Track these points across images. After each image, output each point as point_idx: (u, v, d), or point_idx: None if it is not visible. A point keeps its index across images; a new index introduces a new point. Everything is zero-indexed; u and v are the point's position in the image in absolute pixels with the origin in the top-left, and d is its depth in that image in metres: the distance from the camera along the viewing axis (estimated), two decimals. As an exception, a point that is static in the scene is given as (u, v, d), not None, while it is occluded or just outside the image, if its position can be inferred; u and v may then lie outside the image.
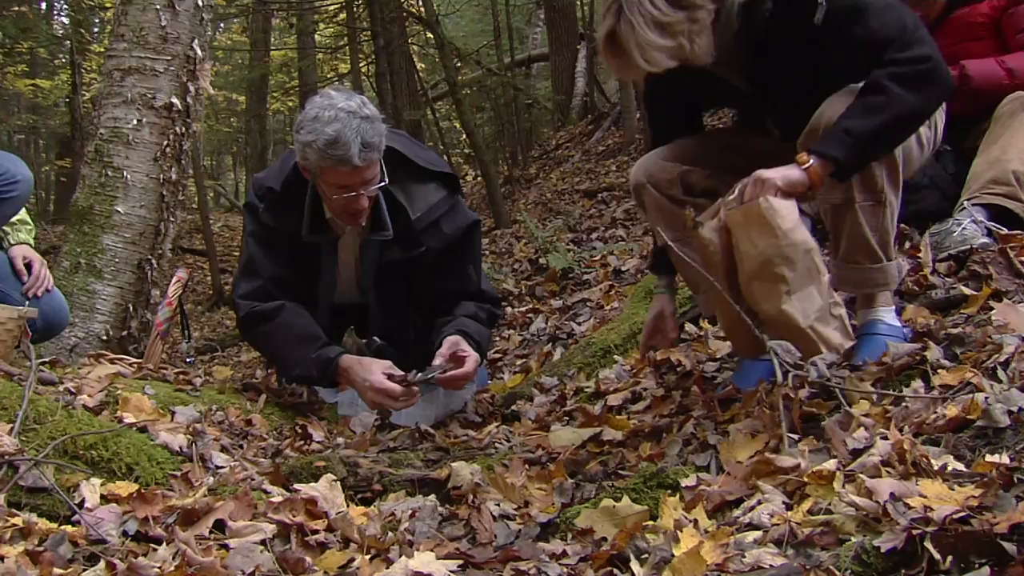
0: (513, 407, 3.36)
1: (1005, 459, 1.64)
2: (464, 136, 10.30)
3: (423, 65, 15.84)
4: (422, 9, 10.46)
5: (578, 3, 14.94)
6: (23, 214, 3.79)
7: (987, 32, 3.59)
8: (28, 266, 3.65)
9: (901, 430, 1.91)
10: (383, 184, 3.26)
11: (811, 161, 2.36)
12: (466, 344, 3.26)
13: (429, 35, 11.58)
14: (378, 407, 3.19)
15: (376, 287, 3.50)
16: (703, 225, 2.43)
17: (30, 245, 3.75)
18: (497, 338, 5.02)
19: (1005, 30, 3.58)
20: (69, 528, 2.00)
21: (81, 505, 2.10)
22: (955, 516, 1.46)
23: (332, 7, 14.34)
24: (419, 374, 3.15)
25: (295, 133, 3.21)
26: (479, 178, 11.62)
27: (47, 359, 3.24)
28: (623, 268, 5.26)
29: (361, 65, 13.20)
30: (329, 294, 3.54)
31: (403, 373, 3.15)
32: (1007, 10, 3.58)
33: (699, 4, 2.44)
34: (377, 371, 3.14)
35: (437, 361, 3.18)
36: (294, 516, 2.07)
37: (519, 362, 4.43)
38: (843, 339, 2.34)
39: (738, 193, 2.40)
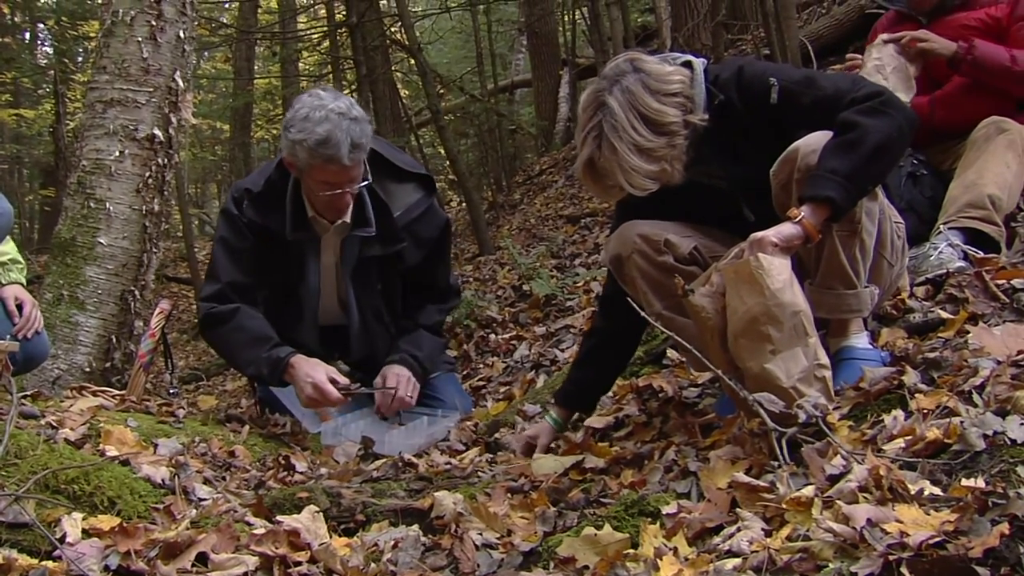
0: (496, 435, 3.36)
1: (981, 483, 1.66)
2: (448, 162, 10.36)
3: (407, 92, 15.89)
4: (405, 37, 10.50)
5: (560, 29, 15.03)
6: (15, 252, 3.79)
7: (981, 38, 3.60)
8: (19, 307, 3.65)
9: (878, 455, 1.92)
10: (366, 183, 3.39)
11: (802, 213, 2.39)
12: (399, 369, 3.51)
13: (412, 62, 11.62)
14: (311, 406, 3.32)
15: (354, 286, 3.61)
16: (693, 292, 2.44)
17: (22, 284, 3.75)
18: (480, 365, 5.02)
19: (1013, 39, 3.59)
20: (50, 564, 1.99)
21: (63, 540, 2.09)
22: (931, 541, 1.47)
23: (315, 36, 14.40)
24: (361, 387, 3.35)
25: (284, 130, 3.33)
26: (463, 204, 11.67)
27: (29, 392, 3.24)
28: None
29: (345, 93, 13.23)
30: (314, 300, 3.62)
31: (347, 381, 3.28)
32: (1012, 20, 3.60)
33: (676, 130, 2.56)
34: (322, 371, 3.26)
35: (378, 397, 3.44)
36: (277, 548, 2.07)
37: (502, 389, 4.43)
38: (826, 401, 2.34)
39: (733, 256, 2.43)
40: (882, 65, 3.50)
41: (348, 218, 3.50)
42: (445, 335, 3.82)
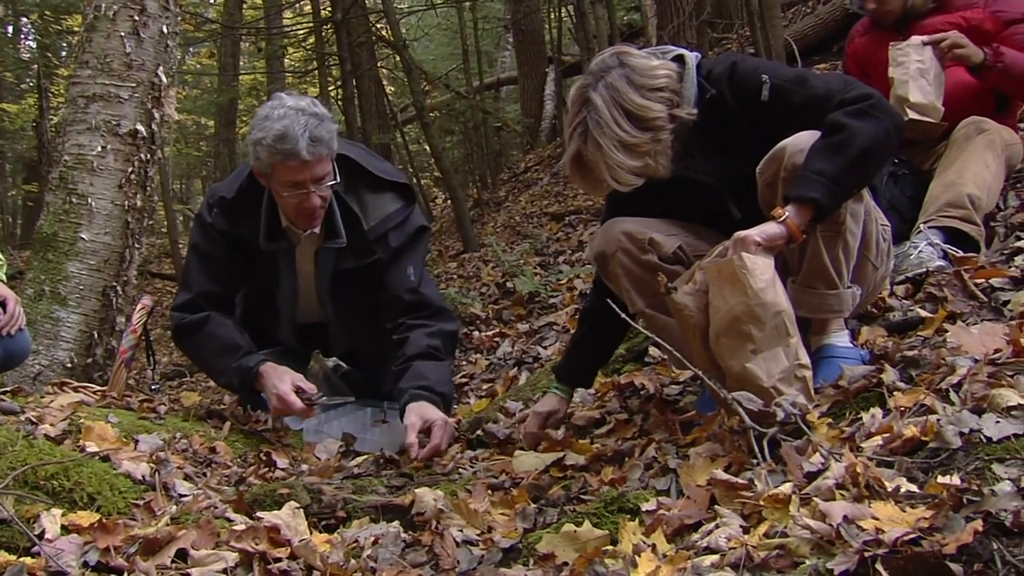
0: (479, 432, 3.36)
1: (956, 481, 1.67)
2: (433, 159, 10.37)
3: (392, 88, 15.86)
4: (391, 33, 10.49)
5: (547, 26, 15.02)
6: None
7: None
8: (3, 304, 3.62)
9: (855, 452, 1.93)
10: (335, 183, 3.34)
11: (787, 213, 2.40)
12: (432, 411, 3.16)
13: (398, 58, 11.61)
14: (279, 415, 3.31)
15: (332, 298, 3.57)
16: (676, 290, 2.45)
17: (3, 282, 3.73)
18: (463, 362, 5.03)
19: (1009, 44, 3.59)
20: (29, 560, 1.98)
21: (41, 536, 2.09)
22: (906, 538, 1.48)
23: (301, 32, 14.36)
24: (324, 397, 3.28)
25: (248, 136, 3.31)
26: (448, 201, 11.69)
27: (9, 388, 3.23)
28: (589, 291, 5.28)
29: (330, 89, 13.21)
30: (291, 307, 3.60)
31: (311, 389, 3.23)
32: (1000, 24, 3.61)
33: (661, 125, 2.57)
34: (287, 380, 3.23)
35: (411, 436, 3.05)
36: (257, 544, 2.07)
37: (485, 386, 4.44)
38: (805, 401, 2.35)
39: (717, 254, 2.44)
40: (926, 69, 3.50)
41: (318, 229, 3.45)
42: (446, 356, 3.50)
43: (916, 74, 3.49)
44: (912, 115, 3.44)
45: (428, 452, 3.02)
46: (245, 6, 18.70)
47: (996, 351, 2.27)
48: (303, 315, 3.65)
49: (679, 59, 2.70)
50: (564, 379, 3.17)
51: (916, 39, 3.55)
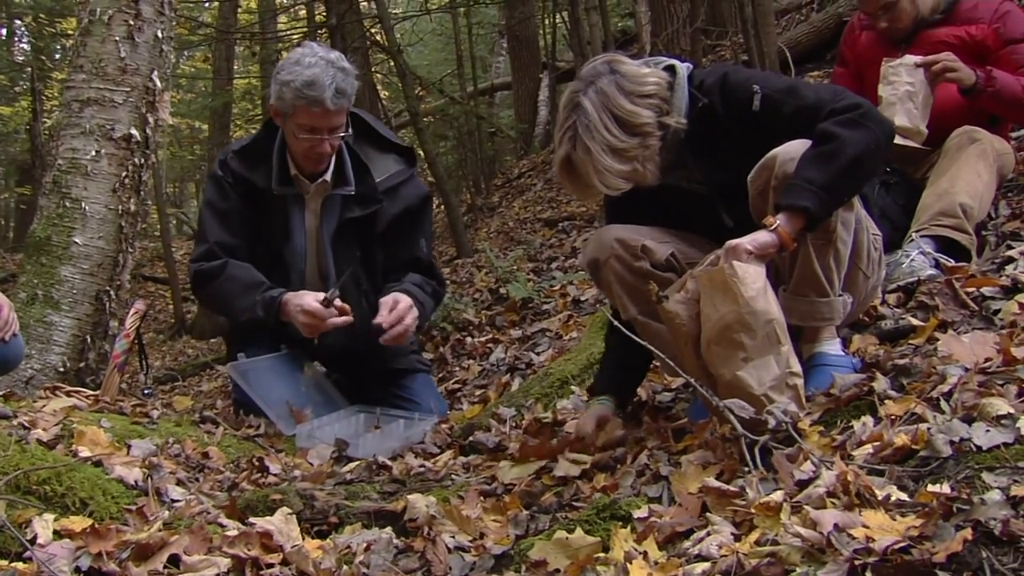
0: (471, 438, 3.37)
1: (946, 489, 1.68)
2: (427, 165, 10.36)
3: (387, 93, 15.86)
4: (385, 39, 10.48)
5: (540, 32, 15.04)
6: None
7: (957, 54, 3.61)
8: None
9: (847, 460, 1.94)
10: (347, 134, 3.55)
11: (778, 221, 2.42)
12: (408, 300, 3.50)
13: (392, 64, 11.60)
14: (313, 333, 3.42)
15: (334, 257, 3.68)
16: (668, 298, 2.46)
17: None
18: (456, 368, 5.03)
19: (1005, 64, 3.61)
20: (20, 565, 1.98)
21: (33, 541, 2.09)
22: (896, 546, 1.49)
23: (295, 36, 14.35)
24: (337, 292, 3.40)
25: (274, 76, 3.51)
26: (441, 207, 11.70)
27: (1, 392, 3.22)
28: (582, 298, 5.29)
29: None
30: (299, 262, 3.70)
31: (326, 294, 3.38)
32: (1000, 43, 3.62)
33: (650, 132, 2.59)
34: (309, 297, 3.38)
35: (382, 312, 3.45)
36: (249, 550, 2.07)
37: (478, 392, 4.44)
38: (797, 409, 2.35)
39: (709, 262, 2.45)
40: (915, 92, 3.51)
41: (328, 177, 3.63)
42: (431, 299, 3.81)
43: (904, 96, 3.51)
44: (896, 139, 3.45)
45: (394, 321, 3.42)
46: (240, 10, 18.68)
47: (986, 360, 2.28)
48: (309, 286, 3.68)
49: (670, 69, 2.72)
50: (598, 390, 3.04)
51: (910, 59, 3.55)
